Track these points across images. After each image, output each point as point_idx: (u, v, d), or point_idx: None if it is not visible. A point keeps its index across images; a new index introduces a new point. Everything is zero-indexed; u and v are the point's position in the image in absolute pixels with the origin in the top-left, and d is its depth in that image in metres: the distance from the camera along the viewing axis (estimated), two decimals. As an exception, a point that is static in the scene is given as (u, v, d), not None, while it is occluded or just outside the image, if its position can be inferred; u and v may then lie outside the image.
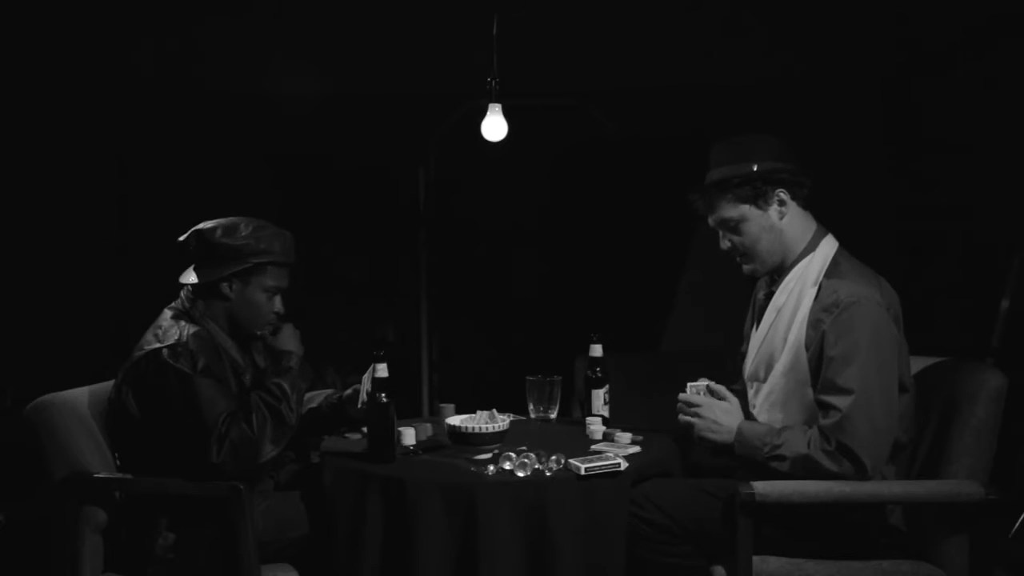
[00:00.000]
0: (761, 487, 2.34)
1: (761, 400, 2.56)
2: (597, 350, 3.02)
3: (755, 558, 2.36)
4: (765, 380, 2.56)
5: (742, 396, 2.64)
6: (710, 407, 2.54)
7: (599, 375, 3.00)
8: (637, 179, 4.51)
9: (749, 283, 2.79)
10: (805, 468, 2.36)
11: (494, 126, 3.63)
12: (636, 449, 2.69)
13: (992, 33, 3.74)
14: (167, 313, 2.65)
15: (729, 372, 2.88)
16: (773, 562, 2.39)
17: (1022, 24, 3.56)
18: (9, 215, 4.01)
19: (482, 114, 3.63)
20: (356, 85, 3.44)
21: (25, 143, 4.03)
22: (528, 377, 3.12)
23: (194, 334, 2.56)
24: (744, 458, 2.47)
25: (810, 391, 2.44)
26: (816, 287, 2.47)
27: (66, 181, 4.16)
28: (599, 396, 3.00)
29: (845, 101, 4.22)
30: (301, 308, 3.14)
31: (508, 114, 3.62)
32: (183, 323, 2.59)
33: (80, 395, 2.61)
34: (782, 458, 2.39)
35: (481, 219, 4.49)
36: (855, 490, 2.35)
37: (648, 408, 3.36)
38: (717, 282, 4.44)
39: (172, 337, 2.54)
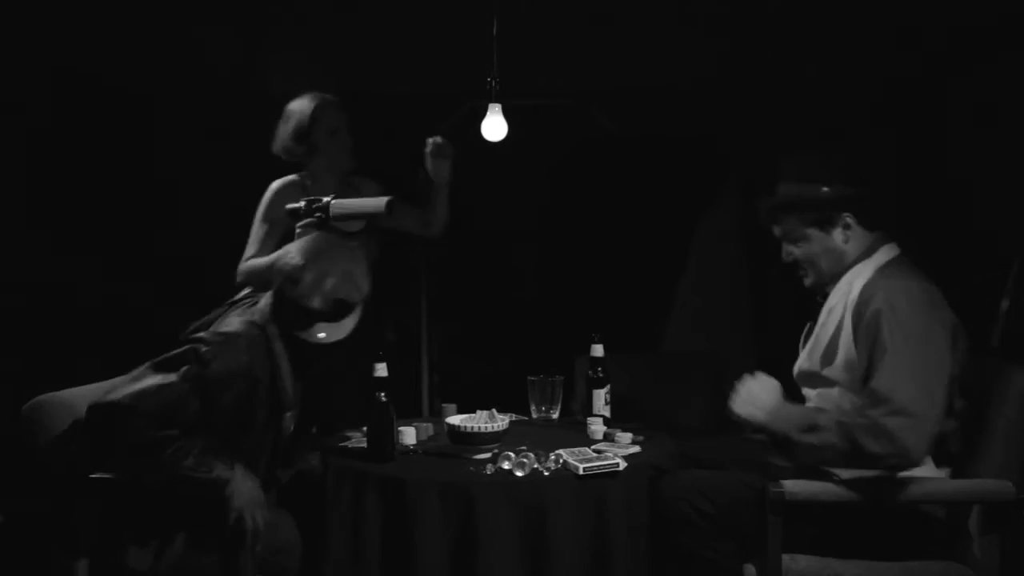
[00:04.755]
0: (791, 485, 2.32)
1: (815, 401, 2.56)
2: (598, 350, 3.02)
3: (784, 556, 2.34)
4: (819, 379, 2.55)
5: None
6: (748, 382, 2.52)
7: (600, 375, 3.00)
8: (638, 179, 4.51)
9: (747, 285, 2.78)
10: (841, 437, 2.30)
11: (494, 126, 3.62)
12: (636, 449, 2.69)
13: (994, 33, 3.73)
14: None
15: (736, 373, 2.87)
16: (802, 560, 2.38)
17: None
18: (8, 214, 4.00)
19: (482, 114, 3.63)
20: (355, 85, 3.43)
21: (28, 143, 4.02)
22: (530, 377, 3.11)
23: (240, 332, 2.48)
24: (777, 436, 2.44)
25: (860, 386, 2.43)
26: (863, 286, 2.47)
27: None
28: (600, 396, 3.00)
29: (849, 101, 4.21)
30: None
31: (508, 114, 3.62)
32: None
33: (78, 395, 2.60)
34: (816, 427, 2.35)
35: (481, 219, 4.48)
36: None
37: (649, 408, 3.36)
38: (716, 283, 4.44)
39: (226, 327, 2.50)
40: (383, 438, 2.60)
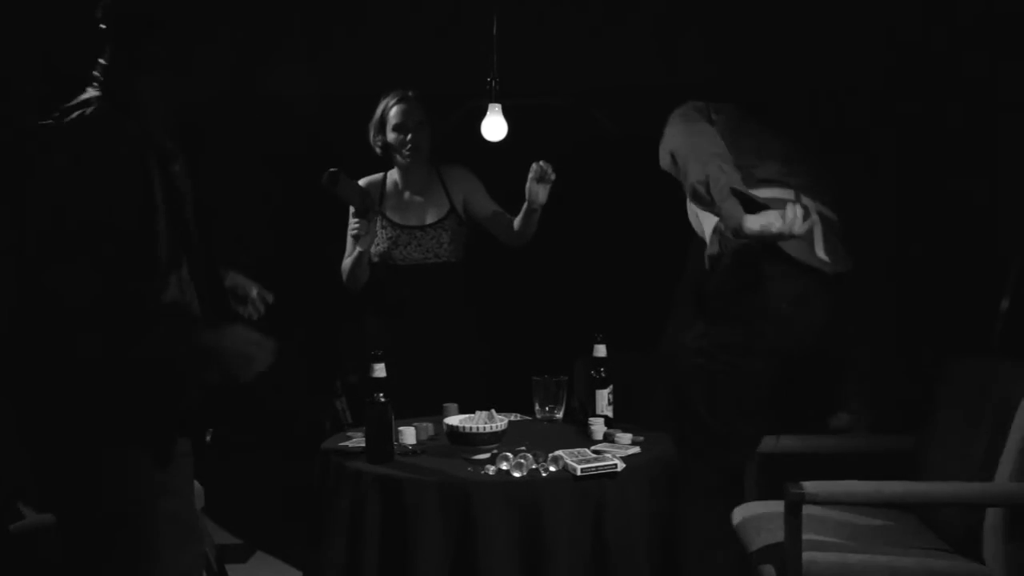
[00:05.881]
0: (811, 487, 2.32)
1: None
2: (601, 350, 3.01)
3: (805, 555, 2.34)
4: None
5: None
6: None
7: (603, 375, 2.99)
8: (638, 179, 4.50)
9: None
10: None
11: (494, 126, 3.63)
12: (636, 450, 2.69)
13: (985, 34, 3.73)
14: None
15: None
16: (822, 559, 2.39)
17: (1016, 28, 3.56)
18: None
19: (482, 114, 3.63)
20: (355, 85, 3.45)
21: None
22: (534, 377, 3.11)
23: None
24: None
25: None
26: None
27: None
28: (603, 396, 2.99)
29: (849, 99, 4.21)
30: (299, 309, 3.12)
31: (508, 114, 3.61)
32: None
33: None
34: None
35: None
36: (908, 491, 2.35)
37: (649, 408, 3.35)
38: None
39: None
40: (381, 438, 2.60)
